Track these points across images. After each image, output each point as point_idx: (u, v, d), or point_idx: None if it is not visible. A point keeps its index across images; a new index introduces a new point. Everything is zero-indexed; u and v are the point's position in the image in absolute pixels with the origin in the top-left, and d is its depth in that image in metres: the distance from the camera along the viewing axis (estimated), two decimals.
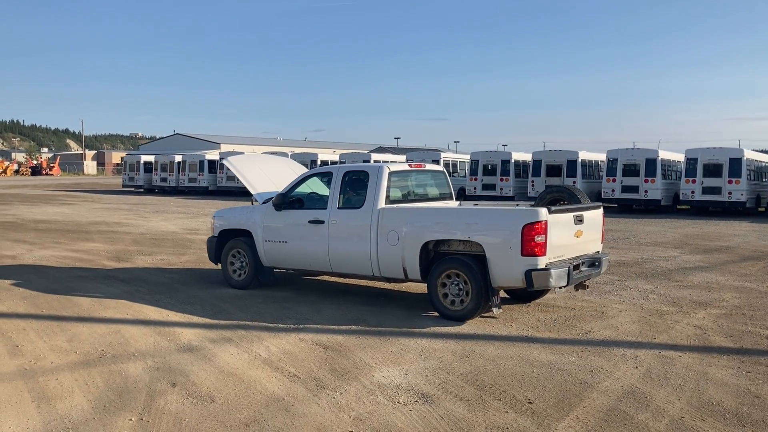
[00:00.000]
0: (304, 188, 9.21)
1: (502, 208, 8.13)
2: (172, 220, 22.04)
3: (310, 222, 8.72)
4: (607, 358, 6.25)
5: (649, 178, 26.61)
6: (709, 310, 8.28)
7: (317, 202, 8.99)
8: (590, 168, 30.18)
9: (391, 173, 8.50)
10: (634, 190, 26.39)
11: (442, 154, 35.06)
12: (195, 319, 7.77)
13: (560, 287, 7.31)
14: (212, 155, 44.86)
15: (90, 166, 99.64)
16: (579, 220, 7.70)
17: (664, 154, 27.85)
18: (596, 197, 28.42)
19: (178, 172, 43.62)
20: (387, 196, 8.32)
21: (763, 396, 5.24)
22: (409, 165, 9.20)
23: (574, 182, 28.43)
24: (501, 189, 30.71)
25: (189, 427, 4.62)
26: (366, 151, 43.28)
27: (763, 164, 27.69)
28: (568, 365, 6.01)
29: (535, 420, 4.75)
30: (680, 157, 27.89)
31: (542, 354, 6.36)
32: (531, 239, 7.01)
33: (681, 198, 26.44)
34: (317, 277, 10.38)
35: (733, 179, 25.23)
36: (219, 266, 10.05)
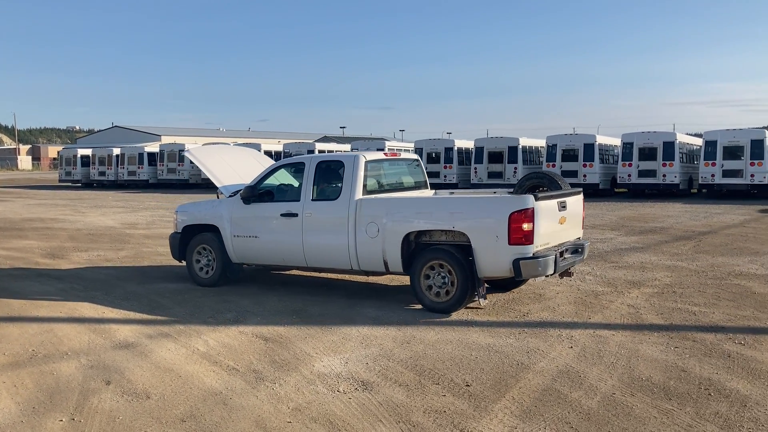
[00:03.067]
0: (273, 180, 8.83)
1: (488, 196, 7.99)
2: (110, 215, 21.47)
3: (282, 215, 8.37)
4: (544, 339, 6.39)
5: (588, 163, 27.29)
6: (642, 290, 8.55)
7: (289, 194, 8.65)
8: (531, 154, 30.73)
9: (367, 162, 8.17)
10: (574, 175, 26.98)
11: (387, 143, 35.10)
12: (132, 315, 7.59)
13: (547, 275, 7.14)
14: (152, 147, 43.85)
15: (25, 161, 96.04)
16: (563, 207, 7.56)
17: (601, 139, 28.58)
18: None
19: (117, 166, 42.49)
20: (364, 186, 8.01)
21: (688, 369, 5.45)
22: (384, 154, 8.90)
23: (516, 168, 28.97)
24: (445, 176, 31.00)
25: (123, 425, 4.52)
26: (311, 141, 42.95)
27: (695, 147, 28.69)
28: (505, 347, 6.12)
29: (472, 402, 4.82)
30: (617, 142, 28.64)
31: (481, 337, 6.46)
32: (519, 227, 6.83)
33: (618, 181, 27.21)
34: (277, 272, 10.24)
35: (667, 162, 26.08)
36: (183, 263, 9.57)
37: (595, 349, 6.03)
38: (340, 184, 8.09)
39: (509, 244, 6.87)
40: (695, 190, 27.99)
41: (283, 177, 8.95)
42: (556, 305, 7.77)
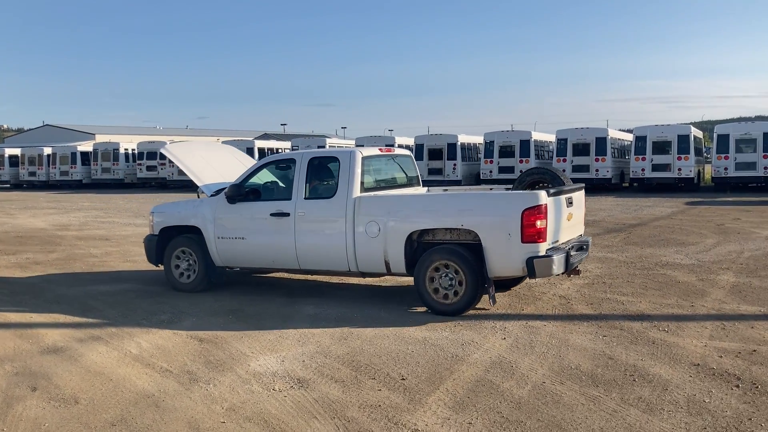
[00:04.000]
0: (259, 178, 8.38)
1: (499, 193, 7.70)
2: (41, 216, 20.74)
3: (272, 215, 7.88)
4: (478, 331, 6.51)
5: (524, 159, 27.91)
6: (574, 281, 8.80)
7: (278, 192, 8.27)
8: (470, 151, 31.20)
9: (364, 158, 7.79)
10: (510, 170, 27.52)
11: (328, 140, 35.06)
12: (62, 318, 7.37)
13: (558, 274, 6.97)
14: (86, 147, 42.50)
15: None
16: (570, 203, 7.41)
17: (537, 136, 29.26)
18: (475, 179, 29.50)
19: (48, 166, 41.08)
20: (361, 184, 7.63)
21: (616, 357, 5.65)
22: (379, 150, 8.50)
23: (455, 165, 29.34)
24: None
25: None
26: (251, 138, 42.43)
27: (626, 143, 29.66)
28: (441, 340, 6.21)
29: (407, 395, 4.88)
30: (552, 138, 29.34)
31: (417, 331, 6.53)
32: (532, 224, 6.61)
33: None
34: (261, 275, 10.05)
35: (600, 157, 26.87)
36: (160, 268, 9.01)
37: (527, 340, 6.18)
38: (334, 182, 7.70)
39: (522, 242, 6.64)
40: (627, 184, 28.96)
41: (270, 175, 8.54)
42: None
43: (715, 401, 4.64)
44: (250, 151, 33.53)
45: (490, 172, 28.40)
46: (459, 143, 29.97)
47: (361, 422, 4.44)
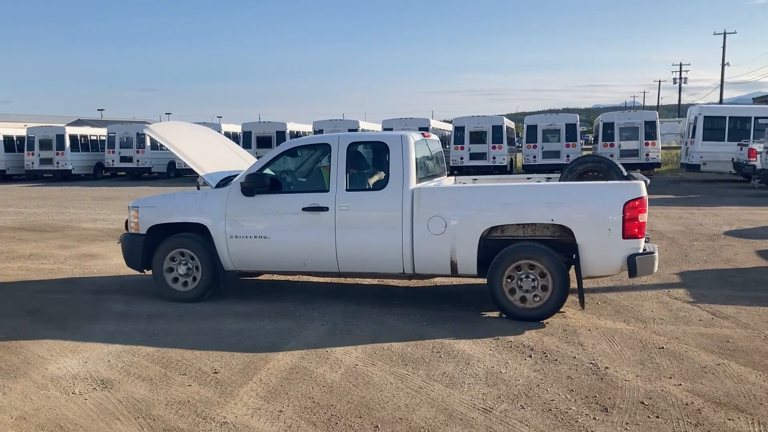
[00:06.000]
0: (280, 166, 7.29)
1: (594, 184, 6.98)
2: None
3: (305, 210, 6.83)
4: (297, 319, 6.53)
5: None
6: None
7: (310, 183, 7.32)
8: None
9: (416, 143, 6.95)
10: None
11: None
12: None
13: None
14: None
15: None
16: None
17: (364, 125, 29.82)
18: None
19: None
20: (416, 173, 6.80)
21: (425, 335, 5.92)
22: (422, 135, 7.46)
23: None
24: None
25: None
26: (62, 125, 39.15)
27: (447, 133, 31.15)
28: (258, 331, 6.15)
29: (219, 389, 4.78)
30: (377, 127, 30.05)
31: (234, 324, 6.41)
32: (634, 218, 6.06)
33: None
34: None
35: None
36: (146, 273, 7.64)
37: (344, 325, 6.29)
38: (385, 171, 6.80)
39: (623, 237, 6.10)
40: (448, 173, 30.40)
41: (293, 162, 7.52)
42: (312, 286, 7.97)
43: (510, 371, 5.02)
44: (60, 138, 31.03)
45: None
46: (288, 131, 29.83)
47: (168, 420, 4.28)
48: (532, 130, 28.14)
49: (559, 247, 6.33)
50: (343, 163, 6.85)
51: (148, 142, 31.59)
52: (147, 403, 4.56)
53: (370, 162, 7.23)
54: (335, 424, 4.18)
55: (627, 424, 4.10)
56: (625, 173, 7.50)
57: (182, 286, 7.27)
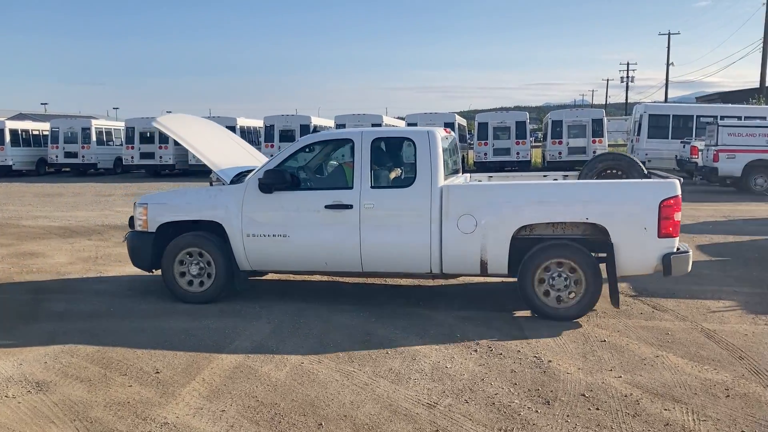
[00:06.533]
0: (298, 161, 7.06)
1: (630, 182, 6.90)
2: None
3: (328, 207, 6.61)
4: (243, 317, 6.44)
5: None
6: None
7: (332, 180, 7.16)
8: (250, 134, 30.84)
9: (443, 139, 6.79)
10: None
11: (93, 122, 32.36)
12: None
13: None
14: None
15: None
16: None
17: (316, 121, 29.70)
18: None
19: None
20: (444, 170, 6.65)
21: (373, 332, 5.92)
22: (446, 131, 7.22)
23: None
24: (161, 157, 29.64)
25: None
26: (2, 119, 37.82)
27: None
28: (202, 330, 6.05)
29: (160, 389, 4.68)
30: (330, 123, 29.94)
31: (179, 323, 6.29)
32: (670, 217, 6.03)
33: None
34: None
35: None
36: (154, 273, 7.36)
37: (291, 323, 6.23)
38: (412, 168, 6.62)
39: (658, 236, 6.06)
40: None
41: (314, 158, 7.31)
42: (260, 284, 7.88)
43: (456, 366, 5.05)
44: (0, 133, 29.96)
45: (272, 155, 28.38)
46: (238, 126, 29.49)
47: (106, 422, 4.17)
48: (483, 127, 28.45)
49: (589, 245, 6.30)
50: (367, 160, 6.65)
51: (93, 138, 30.78)
52: (84, 405, 4.43)
53: (395, 158, 7.13)
54: (278, 423, 4.14)
55: (568, 416, 4.17)
56: (644, 170, 7.49)
57: (196, 286, 7.01)
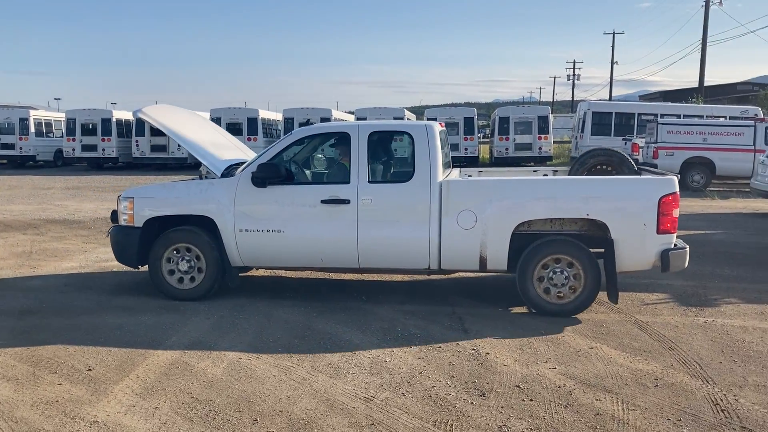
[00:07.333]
0: (292, 155, 6.87)
1: (629, 178, 6.81)
2: None
3: (324, 202, 6.46)
4: (182, 313, 6.32)
5: (252, 137, 27.90)
6: None
7: (329, 174, 7.01)
8: None
9: (440, 132, 6.65)
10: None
11: (32, 112, 31.27)
12: None
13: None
14: None
15: None
16: None
17: (265, 114, 29.40)
18: None
19: None
20: (442, 165, 6.53)
21: (314, 327, 5.89)
22: (440, 124, 7.05)
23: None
24: (104, 150, 28.92)
25: None
26: None
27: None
28: (139, 325, 5.91)
29: (91, 387, 4.55)
30: (278, 116, 29.67)
31: (114, 318, 6.14)
32: (668, 213, 6.06)
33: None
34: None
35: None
36: (141, 270, 7.14)
37: (230, 318, 6.16)
38: (411, 162, 6.48)
39: (657, 233, 6.09)
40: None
41: (308, 151, 7.14)
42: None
43: (395, 360, 5.07)
44: None
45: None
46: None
47: (32, 421, 4.04)
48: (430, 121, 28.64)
49: (587, 241, 6.31)
50: (364, 154, 6.53)
51: (32, 129, 29.77)
52: (10, 404, 4.28)
53: (392, 152, 7.03)
54: (213, 419, 4.08)
55: (502, 407, 4.23)
56: (635, 166, 7.57)
57: (186, 283, 6.82)
